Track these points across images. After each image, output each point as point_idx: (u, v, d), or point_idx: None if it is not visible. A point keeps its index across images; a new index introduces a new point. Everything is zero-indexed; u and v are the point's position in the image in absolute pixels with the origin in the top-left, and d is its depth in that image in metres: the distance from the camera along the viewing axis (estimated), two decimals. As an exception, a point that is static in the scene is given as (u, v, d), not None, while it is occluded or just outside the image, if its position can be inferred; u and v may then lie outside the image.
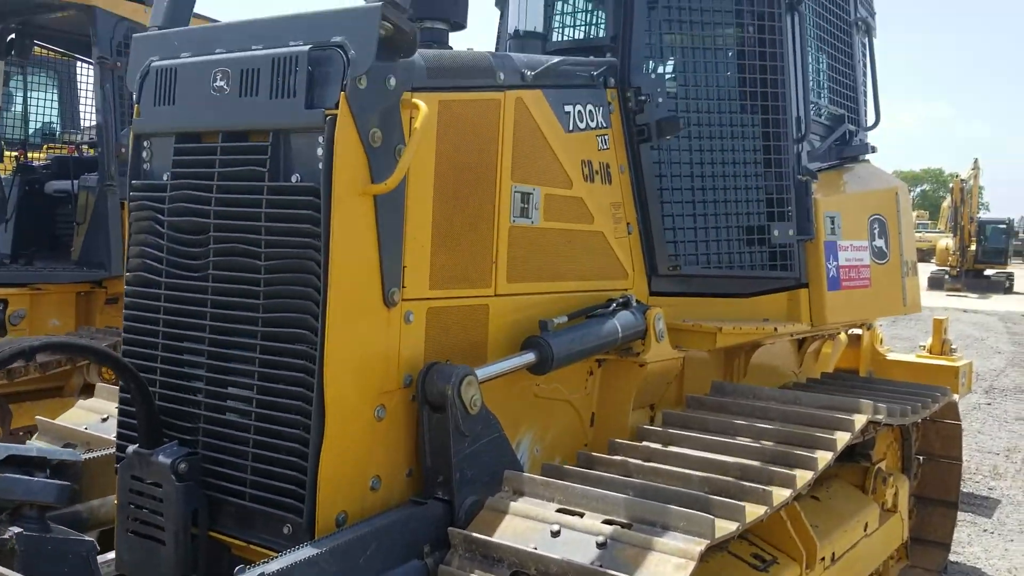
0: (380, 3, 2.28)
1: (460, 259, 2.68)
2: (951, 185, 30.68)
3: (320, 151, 2.32)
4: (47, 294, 5.50)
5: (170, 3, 2.86)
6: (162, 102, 2.65)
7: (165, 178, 2.66)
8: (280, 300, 2.37)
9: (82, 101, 7.68)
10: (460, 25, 3.21)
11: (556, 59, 3.09)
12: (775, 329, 3.57)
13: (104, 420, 3.22)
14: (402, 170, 2.37)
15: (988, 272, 28.20)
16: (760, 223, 3.61)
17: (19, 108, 7.93)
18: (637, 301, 3.21)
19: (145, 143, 2.75)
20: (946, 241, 28.86)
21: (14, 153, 6.45)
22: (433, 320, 2.59)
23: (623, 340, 3.06)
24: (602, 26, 3.95)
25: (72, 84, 8.19)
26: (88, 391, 5.30)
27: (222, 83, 2.50)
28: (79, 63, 7.56)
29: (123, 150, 5.74)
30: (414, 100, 2.44)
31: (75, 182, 5.76)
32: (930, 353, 5.67)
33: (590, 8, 4.06)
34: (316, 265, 2.30)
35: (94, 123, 7.12)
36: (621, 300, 3.16)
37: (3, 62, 6.38)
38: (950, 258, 28.00)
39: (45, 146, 7.65)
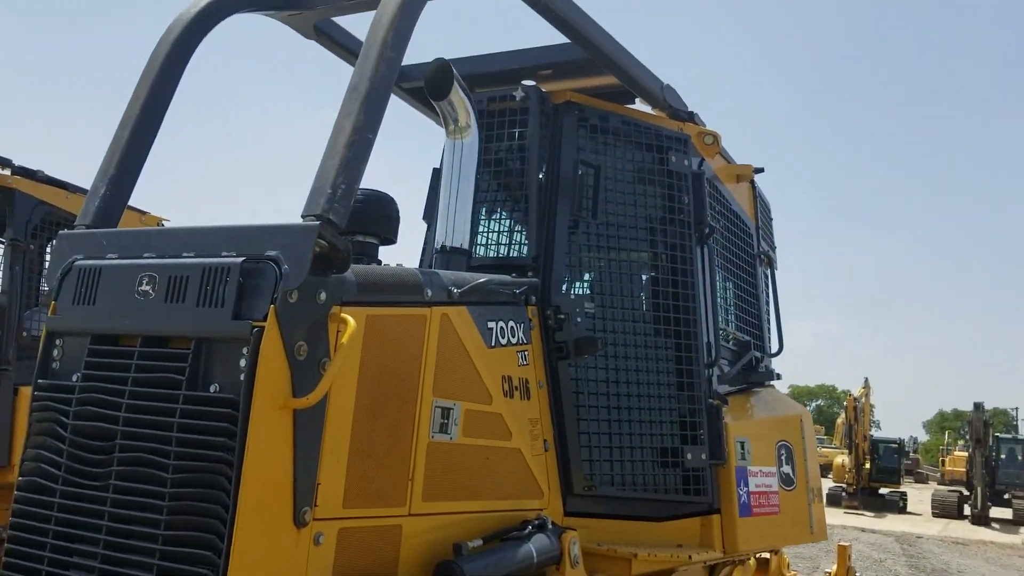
0: (317, 222, 2.34)
1: (375, 476, 2.61)
2: (845, 403, 31.96)
3: (243, 362, 2.29)
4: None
5: (101, 203, 2.87)
6: (81, 301, 2.60)
7: (74, 379, 2.56)
8: (183, 517, 2.24)
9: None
10: (390, 241, 3.31)
11: (482, 277, 3.19)
12: (689, 557, 3.54)
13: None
14: (326, 384, 2.35)
15: (883, 491, 28.91)
16: (674, 445, 3.66)
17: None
18: (553, 523, 3.15)
19: (57, 341, 2.66)
20: (842, 458, 29.67)
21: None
22: (344, 542, 2.48)
23: (538, 566, 2.98)
24: (524, 245, 4.13)
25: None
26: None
27: (147, 287, 2.47)
28: None
29: (24, 333, 5.55)
30: (342, 315, 2.45)
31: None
32: (835, 579, 5.68)
33: (513, 228, 4.24)
34: (227, 481, 2.21)
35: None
36: (537, 522, 3.10)
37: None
38: (846, 475, 28.68)
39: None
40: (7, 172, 5.61)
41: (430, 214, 4.25)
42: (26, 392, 5.38)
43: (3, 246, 6.64)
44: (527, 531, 3.04)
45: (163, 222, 6.36)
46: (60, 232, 2.85)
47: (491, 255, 4.18)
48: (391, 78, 2.62)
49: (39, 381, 2.62)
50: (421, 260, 4.19)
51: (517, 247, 4.18)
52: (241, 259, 2.36)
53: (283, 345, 2.31)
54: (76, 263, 2.66)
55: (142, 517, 2.29)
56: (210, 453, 2.24)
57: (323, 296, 2.42)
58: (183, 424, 2.30)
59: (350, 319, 2.42)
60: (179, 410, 2.31)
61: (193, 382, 2.34)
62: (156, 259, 2.52)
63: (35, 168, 5.72)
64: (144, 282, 2.48)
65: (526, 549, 2.97)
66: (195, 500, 2.24)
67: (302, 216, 2.41)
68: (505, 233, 4.28)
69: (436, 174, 4.22)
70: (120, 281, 2.53)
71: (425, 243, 4.29)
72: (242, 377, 2.27)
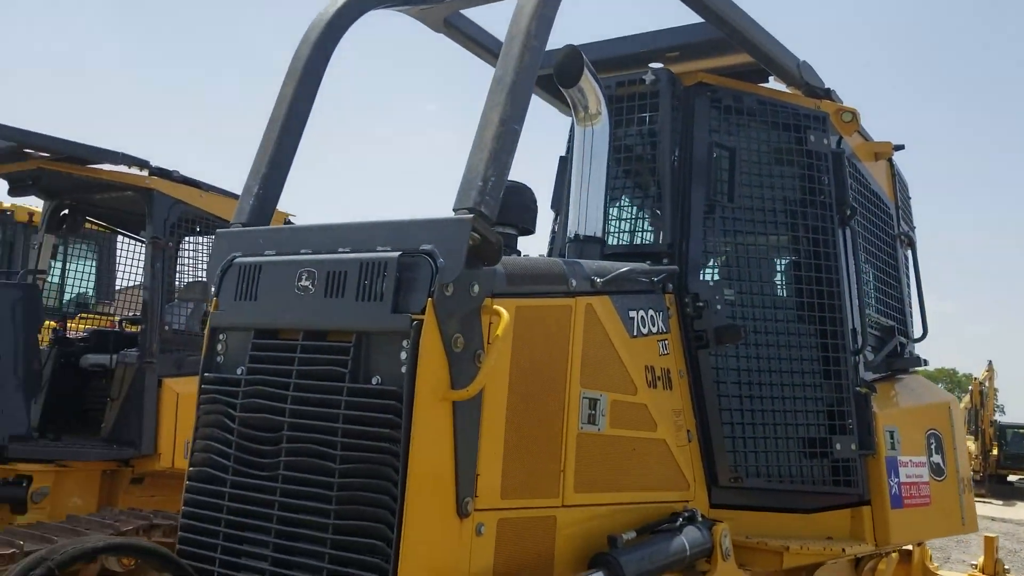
0: (470, 215, 2.35)
1: (530, 467, 2.62)
2: (970, 387, 30.58)
3: (403, 355, 2.32)
4: (72, 471, 5.38)
5: (255, 202, 2.96)
6: (243, 297, 2.68)
7: (239, 372, 2.64)
8: (353, 507, 2.29)
9: (119, 275, 7.85)
10: (529, 231, 3.30)
11: (624, 266, 3.15)
12: (843, 550, 3.43)
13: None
14: (485, 376, 2.36)
15: (1011, 478, 27.56)
16: (821, 435, 3.54)
17: (56, 279, 8.08)
18: (702, 516, 3.10)
19: (221, 336, 2.75)
20: (969, 444, 28.44)
21: (53, 324, 6.50)
22: (504, 533, 2.49)
23: (690, 558, 2.94)
24: (655, 232, 4.06)
25: (110, 257, 8.39)
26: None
27: (307, 283, 2.53)
28: (119, 237, 7.78)
29: (166, 327, 5.80)
30: (495, 306, 2.45)
31: (114, 356, 5.77)
32: (982, 573, 5.42)
33: (644, 214, 4.18)
34: (393, 472, 2.24)
35: (122, 296, 7.30)
36: (687, 514, 3.06)
37: (54, 236, 6.56)
38: (972, 462, 27.47)
39: (78, 316, 7.74)
40: (145, 173, 5.85)
41: (558, 203, 4.23)
42: (169, 383, 5.64)
43: (143, 244, 6.98)
44: (678, 523, 3.00)
45: (290, 218, 6.54)
46: (218, 231, 2.95)
47: (622, 243, 4.14)
48: (535, 68, 2.60)
49: (205, 375, 2.71)
50: (550, 250, 4.17)
51: (649, 234, 4.12)
52: (398, 254, 2.39)
53: (441, 338, 2.33)
54: (236, 260, 2.75)
55: (312, 507, 2.35)
56: (376, 444, 2.28)
57: (476, 288, 2.43)
58: (348, 416, 2.34)
59: (503, 311, 2.42)
60: (343, 402, 2.36)
61: (355, 374, 2.39)
62: (314, 255, 2.58)
63: (170, 169, 5.97)
64: (303, 278, 2.54)
65: (679, 542, 2.93)
66: (363, 491, 2.28)
67: (454, 209, 2.43)
68: (636, 220, 4.22)
69: (563, 162, 4.19)
70: (280, 277, 2.60)
71: (553, 232, 4.27)
72: (403, 369, 2.30)
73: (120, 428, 5.55)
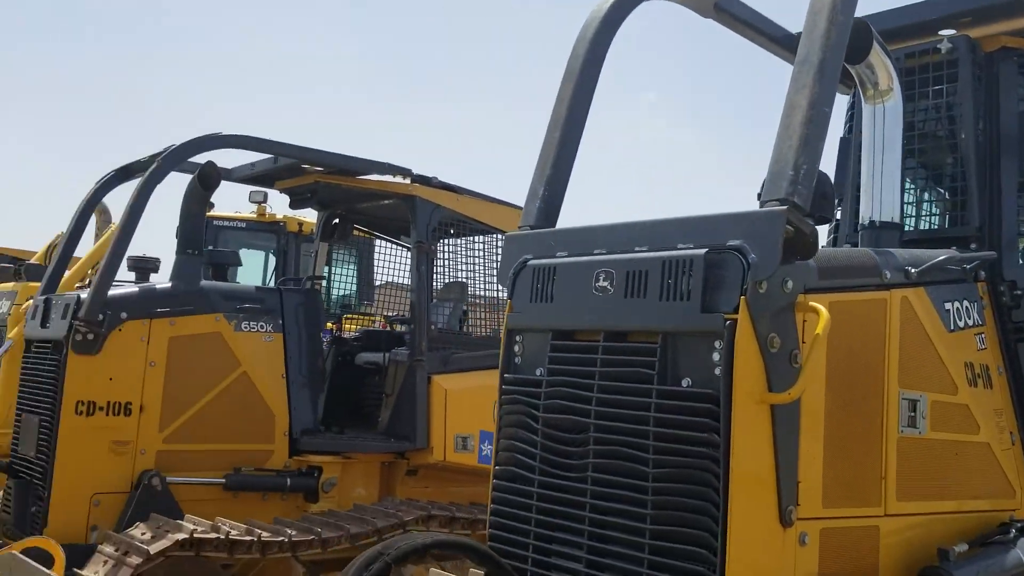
0: (783, 207, 2.21)
1: (851, 474, 2.45)
2: None
3: (716, 356, 2.23)
4: (356, 463, 5.76)
5: (541, 204, 2.98)
6: (539, 299, 2.70)
7: (539, 373, 2.67)
8: (670, 512, 2.24)
9: (376, 277, 8.34)
10: (826, 220, 3.10)
11: (940, 254, 2.89)
12: None
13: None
14: (807, 378, 2.22)
15: None
16: None
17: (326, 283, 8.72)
18: (1037, 527, 2.78)
19: (517, 338, 2.80)
20: None
21: (330, 325, 7.01)
22: (827, 543, 2.34)
23: (1030, 576, 2.64)
24: (956, 214, 3.70)
25: (369, 261, 8.94)
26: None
27: (605, 283, 2.51)
28: (376, 242, 8.26)
29: (433, 327, 6.06)
30: (811, 303, 2.31)
31: (386, 355, 6.12)
32: None
33: (943, 195, 3.83)
34: (714, 478, 2.16)
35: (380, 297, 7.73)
36: (1019, 525, 2.75)
37: (327, 244, 7.07)
38: None
39: (343, 317, 8.30)
40: (408, 181, 6.16)
41: (840, 187, 3.96)
42: (438, 380, 5.89)
43: (400, 248, 7.37)
44: (1011, 535, 2.71)
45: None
46: (507, 234, 3.00)
47: (920, 227, 3.82)
48: (843, 45, 2.43)
49: (505, 376, 2.76)
50: (834, 238, 3.92)
51: (949, 216, 3.77)
52: (703, 251, 2.30)
53: (756, 338, 2.22)
54: (529, 263, 2.77)
55: (626, 510, 2.32)
56: (693, 449, 2.21)
57: (790, 285, 2.30)
58: (659, 419, 2.29)
59: (822, 308, 2.27)
60: (653, 404, 2.31)
61: (663, 376, 2.33)
62: (609, 255, 2.55)
63: (430, 175, 6.25)
64: (601, 278, 2.52)
65: (1014, 556, 2.64)
66: (681, 496, 2.22)
67: (761, 201, 2.31)
68: (933, 202, 3.88)
69: (845, 144, 3.93)
70: (576, 278, 2.59)
71: (836, 219, 4.01)
72: (717, 371, 2.22)
73: (395, 423, 5.87)
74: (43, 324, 5.29)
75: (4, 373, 8.24)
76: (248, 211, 9.90)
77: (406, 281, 7.19)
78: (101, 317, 4.98)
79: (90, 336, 4.98)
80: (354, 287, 9.05)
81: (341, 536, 4.93)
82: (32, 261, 9.01)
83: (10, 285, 8.71)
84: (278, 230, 9.74)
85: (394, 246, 7.40)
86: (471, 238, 6.47)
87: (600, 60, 3.15)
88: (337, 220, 7.04)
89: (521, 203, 3.05)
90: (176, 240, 5.52)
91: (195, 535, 4.45)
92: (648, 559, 2.24)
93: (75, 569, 4.54)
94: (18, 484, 5.06)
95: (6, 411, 8.25)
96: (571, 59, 3.15)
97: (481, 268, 6.44)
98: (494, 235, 6.49)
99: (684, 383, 2.30)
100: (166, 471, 5.11)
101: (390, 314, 7.53)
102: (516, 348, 2.79)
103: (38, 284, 8.66)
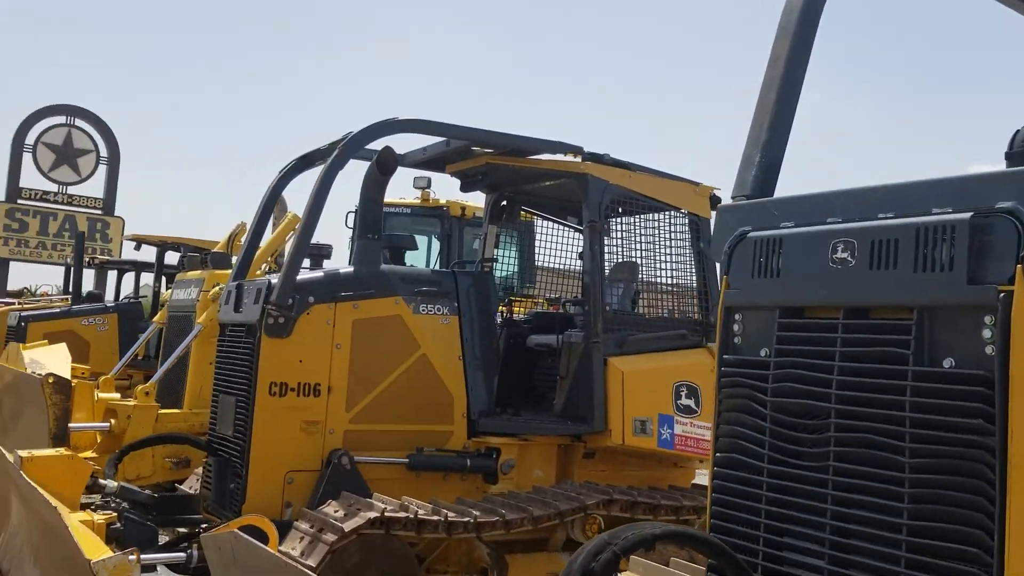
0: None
1: None
2: None
3: (987, 333, 1.98)
4: (533, 445, 5.72)
5: (757, 172, 2.78)
6: (762, 274, 2.52)
7: (763, 354, 2.49)
8: (934, 507, 2.01)
9: (538, 259, 8.27)
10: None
11: None
12: None
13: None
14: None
15: None
16: None
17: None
18: None
19: (736, 316, 2.62)
20: None
21: (501, 307, 6.99)
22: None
23: None
24: None
25: (531, 243, 8.90)
26: (571, 547, 5.33)
27: (844, 255, 2.29)
28: (536, 224, 8.18)
29: (607, 308, 5.93)
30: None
31: (560, 337, 6.04)
32: None
33: None
34: (988, 469, 1.93)
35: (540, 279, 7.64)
36: None
37: (495, 226, 7.05)
38: None
39: (508, 300, 8.30)
40: (579, 159, 6.04)
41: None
42: (614, 362, 5.76)
43: (567, 228, 7.26)
44: None
45: (716, 192, 6.40)
46: (720, 206, 2.82)
47: None
48: None
49: (725, 357, 2.60)
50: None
51: None
52: (968, 215, 2.05)
53: (1033, 312, 1.95)
54: (748, 235, 2.59)
55: (877, 503, 2.11)
56: (961, 436, 1.98)
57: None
58: (917, 403, 2.07)
59: None
60: (909, 387, 2.09)
61: (919, 356, 2.11)
62: (847, 223, 2.33)
63: (601, 152, 6.10)
64: (839, 249, 2.30)
65: None
66: (947, 488, 2.00)
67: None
68: None
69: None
70: (808, 250, 2.39)
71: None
72: (988, 350, 1.97)
73: (571, 405, 5.79)
74: (236, 309, 5.50)
75: (195, 357, 8.73)
76: (412, 197, 10.07)
77: (572, 263, 7.10)
78: (291, 301, 5.12)
79: (281, 320, 5.14)
80: (517, 269, 9.05)
81: (524, 518, 4.90)
82: (216, 250, 9.49)
83: (197, 273, 9.22)
84: (442, 215, 9.86)
85: (559, 228, 7.31)
86: (644, 216, 6.28)
87: (816, 16, 2.91)
88: (505, 202, 7.02)
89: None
90: (356, 226, 5.62)
91: (386, 514, 4.51)
92: (906, 557, 2.03)
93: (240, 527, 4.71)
94: (217, 462, 5.30)
95: (198, 392, 8.74)
96: (785, 13, 2.93)
97: (655, 247, 6.25)
98: (668, 212, 6.28)
99: (946, 363, 2.07)
100: (353, 450, 5.22)
101: (552, 296, 7.46)
102: (735, 327, 2.62)
103: (223, 271, 9.14)
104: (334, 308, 5.32)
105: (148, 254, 14.02)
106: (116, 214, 34.55)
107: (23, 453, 4.80)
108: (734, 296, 2.62)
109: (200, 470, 6.24)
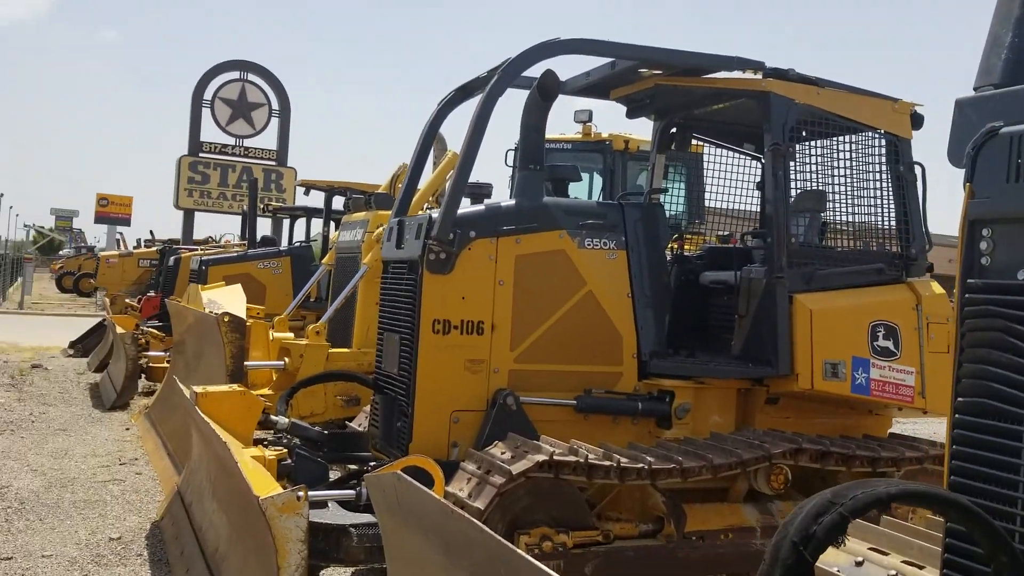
0: None
1: None
2: None
3: None
4: (709, 388, 5.34)
5: (1009, 56, 2.25)
6: (1017, 178, 2.02)
7: (1022, 277, 2.01)
8: None
9: (707, 193, 7.72)
10: None
11: None
12: None
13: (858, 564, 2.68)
14: None
15: None
16: None
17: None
18: None
19: (983, 231, 2.14)
20: None
21: (672, 244, 6.57)
22: None
23: None
24: None
25: (699, 176, 8.34)
26: (753, 499, 4.94)
27: None
28: (706, 155, 7.61)
29: (792, 240, 5.40)
30: None
31: (738, 273, 5.57)
32: None
33: None
34: None
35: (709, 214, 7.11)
36: None
37: (663, 156, 6.59)
38: None
39: (675, 236, 7.81)
40: (759, 76, 5.48)
41: None
42: (801, 300, 5.25)
43: (744, 157, 6.69)
44: None
45: (917, 108, 5.68)
46: (959, 99, 2.31)
47: None
48: None
49: (970, 282, 2.13)
50: None
51: None
52: None
53: None
54: (1000, 131, 2.09)
55: None
56: None
57: None
58: None
59: None
60: None
61: None
62: None
63: (785, 68, 5.51)
64: None
65: None
66: None
67: None
68: None
69: None
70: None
71: None
72: None
73: (753, 346, 5.34)
74: (398, 245, 5.37)
75: (361, 296, 8.82)
76: (573, 132, 9.70)
77: (746, 198, 6.55)
78: (452, 236, 4.92)
79: (442, 255, 4.96)
80: (684, 206, 8.55)
81: (703, 466, 4.55)
82: (380, 191, 9.52)
83: (362, 214, 9.27)
84: (604, 149, 9.45)
85: (733, 159, 6.75)
86: (835, 138, 5.66)
87: None
88: (675, 129, 6.54)
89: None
90: (517, 159, 5.34)
91: (555, 457, 4.28)
92: None
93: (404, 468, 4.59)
94: (384, 400, 5.23)
95: (365, 331, 8.84)
96: None
97: (847, 172, 5.62)
98: (862, 133, 5.63)
99: None
100: (518, 391, 5.01)
101: (724, 234, 6.94)
102: (983, 245, 2.14)
103: (386, 212, 9.15)
104: (496, 243, 5.09)
105: (317, 199, 14.40)
106: (288, 164, 36.08)
107: (198, 389, 4.88)
108: (982, 207, 2.13)
109: (368, 408, 6.25)
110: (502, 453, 4.50)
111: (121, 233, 45.58)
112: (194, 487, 5.46)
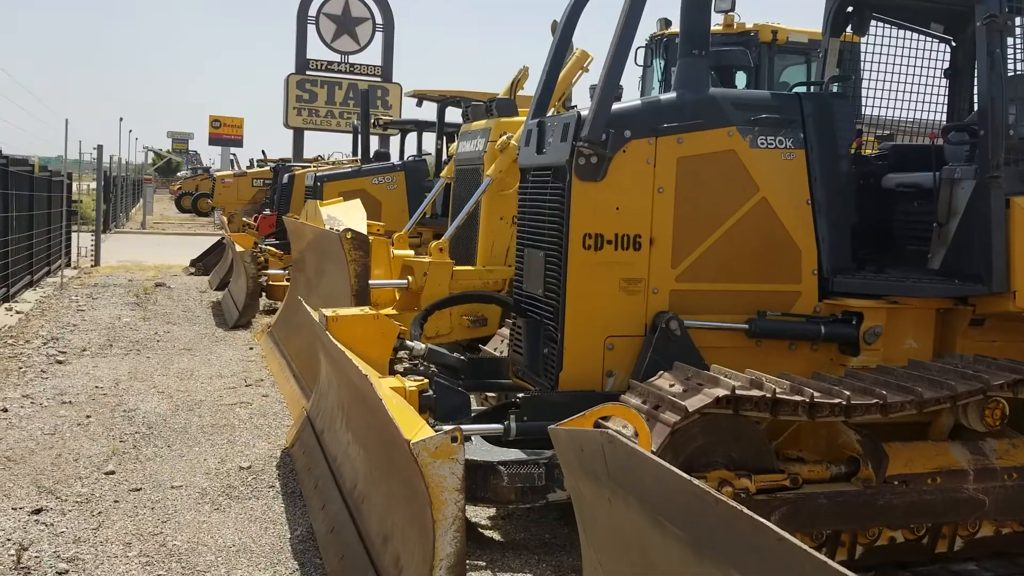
0: None
1: None
2: None
3: None
4: (905, 309, 4.58)
5: None
6: None
7: None
8: None
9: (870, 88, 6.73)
10: None
11: None
12: None
13: None
14: None
15: None
16: None
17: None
18: None
19: None
20: None
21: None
22: None
23: None
24: None
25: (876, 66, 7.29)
26: (961, 436, 4.23)
27: None
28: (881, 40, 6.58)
29: (1011, 132, 4.51)
30: None
31: (937, 174, 4.73)
32: None
33: None
34: None
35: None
36: None
37: (838, 40, 5.69)
38: None
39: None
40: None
41: None
42: (1019, 203, 4.41)
43: (933, 41, 5.73)
44: None
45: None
46: None
47: None
48: None
49: None
50: None
51: None
52: None
53: None
54: None
55: None
56: None
57: None
58: None
59: None
60: None
61: None
62: None
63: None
64: None
65: None
66: None
67: None
68: None
69: None
70: None
71: None
72: None
73: (957, 259, 4.54)
74: (539, 150, 4.74)
75: (485, 211, 8.27)
76: (714, 24, 8.74)
77: (931, 89, 5.60)
78: (604, 137, 4.26)
79: (593, 159, 4.31)
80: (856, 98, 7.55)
81: (910, 401, 3.86)
82: (500, 95, 8.85)
83: (483, 123, 8.65)
84: (749, 41, 8.48)
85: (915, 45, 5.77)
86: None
87: None
88: (851, 7, 5.61)
89: None
90: (678, 41, 4.59)
91: (736, 391, 3.67)
92: None
93: (599, 419, 4.05)
94: (528, 323, 4.69)
95: (490, 248, 8.32)
96: None
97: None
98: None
99: None
100: (680, 314, 4.39)
101: (882, 132, 6.00)
102: None
103: (509, 119, 8.49)
104: (655, 143, 4.40)
105: (429, 112, 13.84)
106: (393, 80, 35.67)
107: (328, 312, 4.45)
108: None
109: (505, 331, 5.74)
110: (671, 385, 3.92)
111: (234, 154, 46.45)
112: (324, 413, 5.11)
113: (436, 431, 2.99)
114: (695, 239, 4.48)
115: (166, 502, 4.64)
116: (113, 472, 5.05)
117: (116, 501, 4.62)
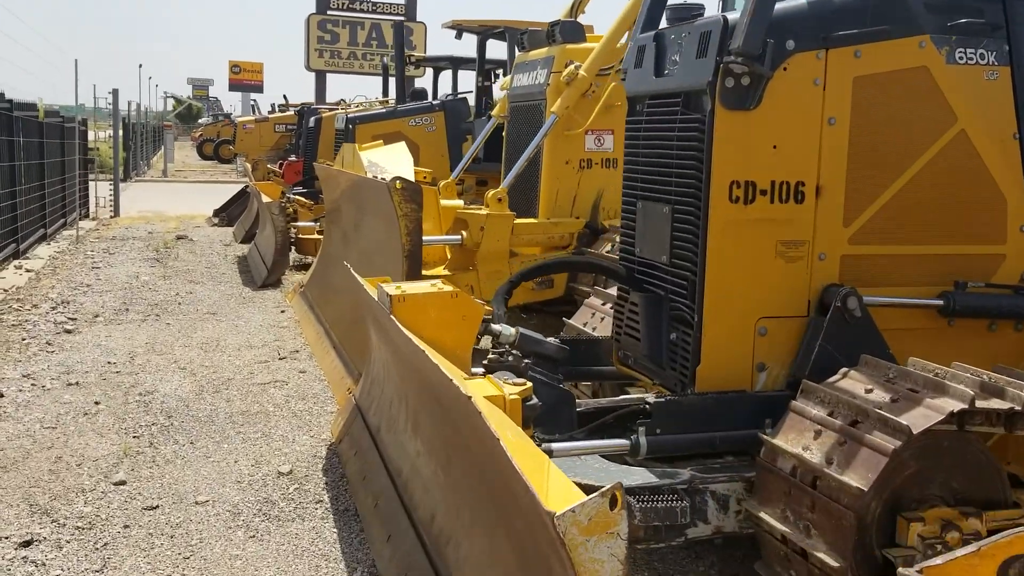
0: None
1: None
2: None
3: None
4: None
5: None
6: None
7: None
8: None
9: None
10: None
11: None
12: None
13: None
14: None
15: None
16: None
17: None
18: None
19: None
20: None
21: None
22: None
23: None
24: None
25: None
26: None
27: None
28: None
29: None
30: None
31: None
32: None
33: None
34: None
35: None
36: None
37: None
38: None
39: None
40: None
41: None
42: None
43: None
44: None
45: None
46: None
47: None
48: None
49: None
50: None
51: None
52: None
53: None
54: None
55: None
56: None
57: None
58: None
59: None
60: None
61: None
62: None
63: None
64: None
65: None
66: None
67: None
68: None
69: None
70: None
71: None
72: None
73: None
74: (658, 72, 3.62)
75: (549, 155, 7.16)
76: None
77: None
78: (762, 50, 3.14)
79: (745, 80, 3.20)
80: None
81: None
82: (562, 17, 7.67)
83: (543, 51, 7.47)
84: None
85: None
86: None
87: None
88: None
89: None
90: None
91: (976, 404, 2.62)
92: None
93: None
94: (647, 301, 3.61)
95: (554, 198, 7.21)
96: None
97: None
98: None
99: None
100: (855, 286, 3.31)
101: None
102: None
103: (576, 45, 7.31)
104: (825, 57, 3.28)
105: (466, 47, 12.61)
106: (418, 19, 34.22)
107: (390, 289, 3.40)
108: None
109: (596, 302, 4.69)
110: (868, 391, 2.86)
111: (255, 100, 45.25)
112: (380, 405, 4.12)
113: (585, 490, 1.95)
114: (875, 188, 3.38)
115: (189, 526, 3.68)
116: (124, 482, 4.10)
117: (126, 526, 3.67)
